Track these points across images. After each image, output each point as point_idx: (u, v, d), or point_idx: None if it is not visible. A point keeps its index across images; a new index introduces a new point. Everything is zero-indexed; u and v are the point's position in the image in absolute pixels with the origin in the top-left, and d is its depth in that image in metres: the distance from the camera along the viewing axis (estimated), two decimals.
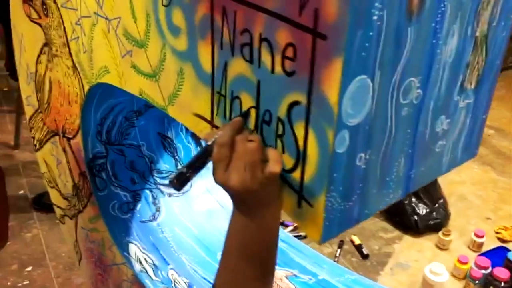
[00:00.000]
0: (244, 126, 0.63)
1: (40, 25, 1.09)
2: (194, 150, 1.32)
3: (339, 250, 2.10)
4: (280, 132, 0.59)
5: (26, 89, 1.31)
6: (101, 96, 1.06)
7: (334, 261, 2.02)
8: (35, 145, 1.40)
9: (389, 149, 0.62)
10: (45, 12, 1.04)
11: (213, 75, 0.66)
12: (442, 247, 2.13)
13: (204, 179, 1.32)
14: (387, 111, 0.58)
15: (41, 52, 1.14)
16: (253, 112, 0.62)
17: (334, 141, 0.54)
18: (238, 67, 0.62)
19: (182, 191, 1.28)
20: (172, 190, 1.27)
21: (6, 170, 2.57)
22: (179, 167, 1.29)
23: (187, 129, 1.32)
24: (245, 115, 0.63)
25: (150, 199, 1.25)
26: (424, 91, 0.62)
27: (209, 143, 0.61)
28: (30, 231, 2.23)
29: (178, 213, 1.26)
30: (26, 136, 2.79)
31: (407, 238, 2.19)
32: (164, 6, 0.70)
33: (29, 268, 2.03)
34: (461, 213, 2.33)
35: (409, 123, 0.62)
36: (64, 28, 0.99)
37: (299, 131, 0.57)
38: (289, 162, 0.59)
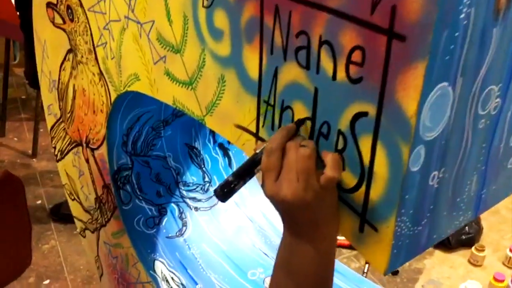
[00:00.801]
0: (297, 134, 0.56)
1: (64, 30, 1.04)
2: (222, 162, 1.26)
3: (367, 265, 2.01)
4: (340, 146, 0.52)
5: (48, 98, 1.26)
6: (128, 105, 1.00)
7: (363, 276, 1.94)
8: (56, 156, 1.34)
9: (463, 166, 0.55)
10: (70, 17, 0.98)
11: (260, 83, 0.60)
12: (475, 263, 2.03)
13: None
14: (464, 123, 0.51)
15: (65, 59, 1.09)
16: (307, 124, 0.55)
17: (409, 158, 0.47)
18: (291, 73, 0.55)
19: (224, 202, 1.22)
20: (199, 204, 1.21)
21: (23, 179, 2.54)
22: (206, 187, 1.23)
23: (214, 140, 1.25)
24: (300, 122, 0.56)
25: (177, 213, 1.19)
26: (503, 101, 0.54)
27: (257, 151, 0.55)
28: (47, 242, 2.18)
29: (205, 228, 1.19)
30: (44, 145, 2.76)
31: (438, 254, 2.09)
32: (205, 7, 0.64)
33: (47, 281, 1.97)
34: (494, 227, 2.23)
35: (485, 136, 0.55)
36: (91, 33, 0.93)
37: (365, 146, 0.50)
38: (350, 180, 0.52)
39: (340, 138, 0.52)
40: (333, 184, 0.51)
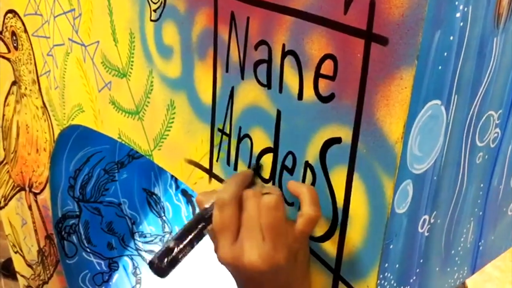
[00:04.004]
0: (254, 180, 0.46)
1: (9, 60, 0.94)
2: (185, 210, 1.14)
3: None
4: (308, 182, 0.42)
5: None
6: (75, 143, 0.89)
7: None
8: (0, 202, 1.20)
9: (458, 210, 0.45)
10: (15, 44, 0.89)
11: (214, 107, 0.50)
12: None
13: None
14: (460, 155, 0.42)
15: (9, 92, 0.98)
16: (268, 158, 0.45)
17: (394, 196, 0.36)
18: (249, 94, 0.45)
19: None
20: None
21: None
22: (166, 239, 1.09)
23: (177, 185, 1.14)
24: (257, 167, 0.46)
25: (130, 268, 1.05)
26: (502, 133, 0.45)
27: (206, 205, 0.43)
28: None
29: (163, 286, 1.05)
30: None
31: None
32: (153, 21, 0.55)
33: None
34: (479, 285, 2.11)
35: (483, 174, 0.45)
36: (35, 61, 0.83)
37: (338, 181, 0.39)
38: (320, 225, 0.42)
39: (308, 172, 0.41)
40: (313, 228, 0.40)
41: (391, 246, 0.38)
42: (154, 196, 1.10)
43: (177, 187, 1.14)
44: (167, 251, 0.40)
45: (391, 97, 0.34)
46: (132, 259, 1.06)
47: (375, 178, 0.37)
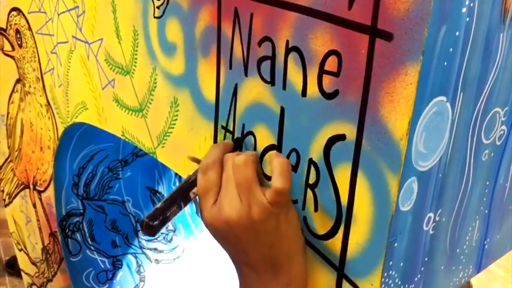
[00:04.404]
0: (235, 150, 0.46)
1: (13, 58, 0.94)
2: (188, 208, 1.14)
3: None
4: (312, 180, 0.41)
5: None
6: (78, 141, 0.89)
7: None
8: (4, 200, 1.21)
9: (463, 208, 0.44)
10: (19, 42, 0.89)
11: (218, 104, 0.49)
12: None
13: (198, 239, 1.13)
14: (465, 152, 0.41)
15: (13, 90, 0.98)
16: (272, 154, 0.45)
17: (399, 193, 0.36)
18: (253, 91, 0.45)
19: (168, 250, 1.08)
20: (161, 255, 1.07)
21: None
22: (170, 237, 1.10)
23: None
24: (238, 140, 0.47)
25: (134, 266, 1.05)
26: (508, 129, 0.45)
27: (191, 173, 0.46)
28: None
29: (167, 284, 1.05)
30: None
31: None
32: (157, 18, 0.54)
33: None
34: (484, 284, 2.11)
35: (489, 172, 0.45)
36: (39, 58, 0.83)
37: (342, 179, 0.39)
38: (324, 223, 0.41)
39: (312, 169, 0.41)
40: (284, 200, 0.40)
41: (395, 244, 0.38)
42: (158, 194, 1.10)
43: None
44: (157, 211, 0.43)
45: (396, 93, 0.34)
46: (136, 257, 1.06)
47: (380, 175, 0.36)
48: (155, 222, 0.42)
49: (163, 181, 1.11)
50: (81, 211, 0.99)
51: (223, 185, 0.41)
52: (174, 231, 1.12)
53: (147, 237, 1.08)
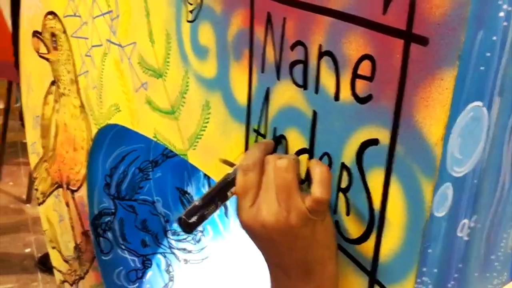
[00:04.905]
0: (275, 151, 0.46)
1: (48, 60, 0.96)
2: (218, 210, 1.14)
3: None
4: (344, 184, 0.41)
5: (32, 135, 1.17)
6: (111, 142, 0.91)
7: None
8: (38, 199, 1.24)
9: (498, 215, 0.43)
10: (54, 45, 0.91)
11: (249, 108, 0.50)
12: None
13: (226, 241, 1.14)
14: (501, 159, 0.40)
15: (48, 91, 1.01)
16: (303, 159, 0.45)
17: (433, 199, 0.36)
18: (285, 95, 0.45)
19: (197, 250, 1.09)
20: (189, 255, 1.09)
21: (14, 226, 2.42)
22: (198, 237, 1.11)
23: (209, 184, 1.14)
24: (278, 138, 0.47)
25: (163, 266, 1.06)
26: None
27: (230, 171, 0.46)
28: None
29: (195, 285, 1.06)
30: None
31: None
32: (190, 22, 0.55)
33: None
34: None
35: None
36: (74, 61, 0.85)
37: (375, 183, 0.39)
38: (356, 228, 0.41)
39: (344, 173, 0.41)
40: (323, 209, 0.40)
41: (429, 250, 0.38)
42: (187, 195, 1.11)
43: (209, 186, 1.14)
44: (194, 208, 0.44)
45: (431, 98, 0.34)
46: (165, 256, 1.07)
47: (414, 181, 0.36)
48: (193, 219, 0.43)
49: (192, 182, 1.12)
50: (113, 210, 1.01)
51: (263, 187, 0.41)
52: (202, 232, 1.13)
53: (176, 237, 1.10)
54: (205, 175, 1.14)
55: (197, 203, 0.44)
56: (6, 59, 2.34)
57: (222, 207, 1.16)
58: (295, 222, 0.39)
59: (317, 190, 0.39)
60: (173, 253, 1.08)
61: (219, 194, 0.45)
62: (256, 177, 0.42)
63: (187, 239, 1.12)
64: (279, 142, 0.46)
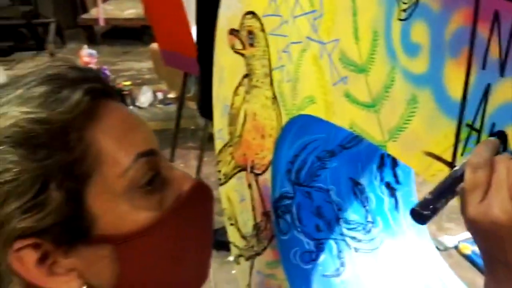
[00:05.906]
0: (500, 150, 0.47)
1: (243, 55, 1.06)
2: (388, 203, 1.16)
3: None
4: None
5: (219, 122, 1.31)
6: (297, 132, 0.98)
7: None
8: (220, 179, 1.38)
9: None
10: (250, 42, 1.00)
11: (464, 103, 0.51)
12: None
13: (396, 238, 1.15)
14: None
15: (240, 84, 1.11)
16: None
17: None
18: (508, 91, 0.46)
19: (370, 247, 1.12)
20: (360, 244, 1.12)
21: None
22: (369, 227, 1.14)
23: (381, 178, 1.16)
24: (502, 136, 0.47)
25: (335, 251, 1.12)
26: None
27: (456, 167, 0.49)
28: None
29: (364, 273, 1.10)
30: (206, 173, 2.91)
31: None
32: (401, 20, 0.58)
33: None
34: None
35: None
36: (269, 56, 0.93)
37: None
38: None
39: None
40: None
41: None
42: (359, 186, 1.15)
43: (381, 179, 1.16)
44: (426, 201, 0.48)
45: None
46: (336, 242, 1.12)
47: None
48: (426, 212, 0.47)
49: (365, 174, 1.15)
50: (292, 195, 1.08)
51: (494, 185, 0.44)
52: (372, 223, 1.16)
53: (347, 225, 1.14)
54: (377, 167, 1.16)
55: (428, 196, 0.48)
56: (181, 51, 2.60)
57: (393, 200, 1.18)
58: None
59: None
60: (344, 240, 1.13)
61: (448, 189, 0.48)
62: (486, 175, 0.44)
63: (358, 229, 1.15)
64: (505, 140, 0.47)
